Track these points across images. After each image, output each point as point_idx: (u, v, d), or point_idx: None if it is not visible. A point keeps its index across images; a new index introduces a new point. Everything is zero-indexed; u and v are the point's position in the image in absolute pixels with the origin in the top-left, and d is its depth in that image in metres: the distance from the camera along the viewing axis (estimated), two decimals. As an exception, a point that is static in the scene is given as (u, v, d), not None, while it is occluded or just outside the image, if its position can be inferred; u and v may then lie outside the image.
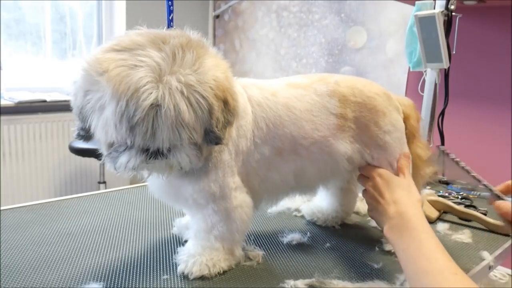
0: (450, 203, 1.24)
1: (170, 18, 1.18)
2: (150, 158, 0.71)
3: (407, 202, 0.85)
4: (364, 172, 0.96)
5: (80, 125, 0.75)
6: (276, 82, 0.95)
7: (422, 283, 0.70)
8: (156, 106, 0.65)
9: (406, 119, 1.00)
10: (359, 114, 0.93)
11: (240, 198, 0.85)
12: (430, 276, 0.70)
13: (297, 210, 1.20)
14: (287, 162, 0.90)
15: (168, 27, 1.16)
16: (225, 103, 0.74)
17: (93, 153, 2.80)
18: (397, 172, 0.94)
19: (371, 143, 0.94)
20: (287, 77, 0.98)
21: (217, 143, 0.76)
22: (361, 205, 1.22)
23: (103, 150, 0.75)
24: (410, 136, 1.01)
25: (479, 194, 1.44)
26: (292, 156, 0.90)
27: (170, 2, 1.18)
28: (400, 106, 1.00)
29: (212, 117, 0.72)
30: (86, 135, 0.75)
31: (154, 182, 0.87)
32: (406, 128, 1.00)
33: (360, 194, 1.22)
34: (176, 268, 0.84)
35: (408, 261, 0.75)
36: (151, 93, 0.65)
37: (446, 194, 1.42)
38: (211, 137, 0.74)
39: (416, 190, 0.91)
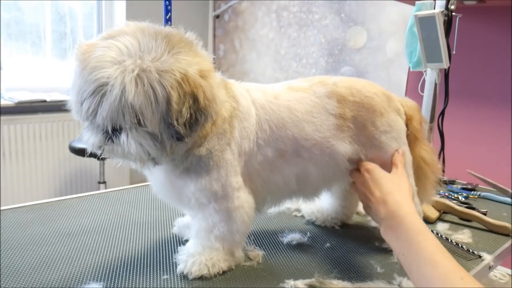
0: (450, 203, 1.24)
1: (168, 17, 1.18)
2: (108, 140, 0.73)
3: (397, 198, 0.83)
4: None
5: None
6: (277, 86, 0.96)
7: None
8: (105, 85, 0.68)
9: (408, 121, 1.00)
10: (357, 113, 0.93)
11: (243, 198, 0.85)
12: (436, 283, 0.68)
13: (297, 210, 1.20)
14: (290, 164, 0.90)
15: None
16: (195, 99, 0.72)
17: (93, 153, 2.81)
18: (391, 166, 0.92)
19: (367, 143, 0.94)
20: (288, 81, 0.98)
21: (178, 139, 0.73)
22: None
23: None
24: (413, 138, 1.00)
25: (479, 194, 1.44)
26: (295, 158, 0.90)
27: (167, 2, 1.18)
28: (403, 107, 0.99)
29: (170, 108, 0.70)
30: None
31: (157, 183, 0.87)
32: (408, 130, 0.99)
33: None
34: (176, 268, 0.84)
35: (410, 267, 0.74)
36: (102, 71, 0.68)
37: (446, 194, 1.42)
38: (172, 131, 0.72)
39: (406, 181, 0.88)
